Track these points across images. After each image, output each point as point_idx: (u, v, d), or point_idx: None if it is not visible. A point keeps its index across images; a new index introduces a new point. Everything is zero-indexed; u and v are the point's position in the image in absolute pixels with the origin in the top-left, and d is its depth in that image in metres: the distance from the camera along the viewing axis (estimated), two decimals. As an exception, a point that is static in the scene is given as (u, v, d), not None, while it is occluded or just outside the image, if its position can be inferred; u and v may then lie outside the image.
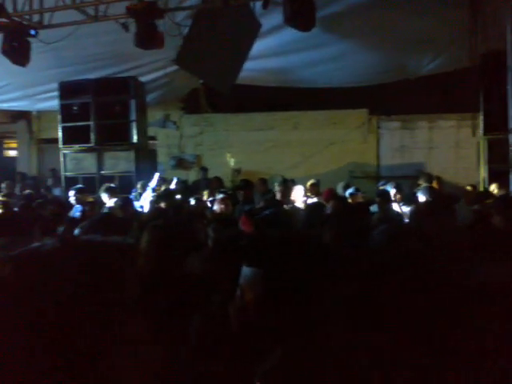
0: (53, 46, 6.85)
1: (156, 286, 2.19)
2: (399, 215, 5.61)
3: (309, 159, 11.41)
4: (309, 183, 7.59)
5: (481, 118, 8.47)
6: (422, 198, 5.25)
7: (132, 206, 5.90)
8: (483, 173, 8.68)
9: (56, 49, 7.19)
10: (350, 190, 6.54)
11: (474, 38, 6.23)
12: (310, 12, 5.75)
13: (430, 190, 5.38)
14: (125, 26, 6.34)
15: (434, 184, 7.82)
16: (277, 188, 6.54)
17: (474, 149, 10.53)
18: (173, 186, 7.73)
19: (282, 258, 1.43)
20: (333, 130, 11.44)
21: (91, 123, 8.88)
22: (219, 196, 6.64)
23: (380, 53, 8.26)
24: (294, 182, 8.03)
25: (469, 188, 7.52)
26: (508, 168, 6.56)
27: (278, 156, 11.62)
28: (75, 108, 8.93)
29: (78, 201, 6.17)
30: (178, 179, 8.44)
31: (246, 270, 1.46)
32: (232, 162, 11.72)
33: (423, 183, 7.83)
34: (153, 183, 7.03)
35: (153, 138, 11.93)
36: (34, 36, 6.41)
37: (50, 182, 11.04)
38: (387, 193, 6.27)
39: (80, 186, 7.09)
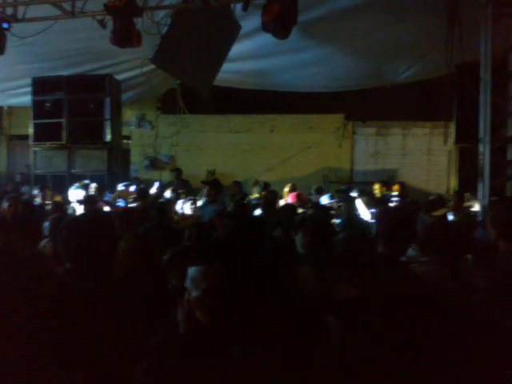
0: (27, 41, 6.68)
1: (131, 293, 2.13)
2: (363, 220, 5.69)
3: (285, 162, 11.44)
4: (286, 187, 7.61)
5: (453, 126, 8.64)
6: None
7: (95, 204, 5.73)
8: (454, 181, 8.87)
9: (30, 44, 7.00)
10: (325, 199, 6.61)
11: (451, 48, 6.34)
12: (287, 20, 5.71)
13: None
14: (102, 24, 6.22)
15: (396, 188, 7.96)
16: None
17: (445, 157, 10.77)
18: (154, 190, 7.65)
19: (221, 256, 1.51)
20: (309, 134, 11.49)
21: (63, 120, 8.70)
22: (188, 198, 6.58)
23: (357, 59, 8.33)
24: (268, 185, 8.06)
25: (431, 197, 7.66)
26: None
27: (254, 159, 11.62)
28: (48, 104, 8.72)
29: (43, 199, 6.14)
30: (160, 183, 8.32)
31: (190, 271, 1.49)
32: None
33: (378, 189, 7.95)
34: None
35: (127, 138, 11.77)
36: (6, 29, 6.24)
37: (18, 179, 10.76)
38: (352, 198, 6.41)
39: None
